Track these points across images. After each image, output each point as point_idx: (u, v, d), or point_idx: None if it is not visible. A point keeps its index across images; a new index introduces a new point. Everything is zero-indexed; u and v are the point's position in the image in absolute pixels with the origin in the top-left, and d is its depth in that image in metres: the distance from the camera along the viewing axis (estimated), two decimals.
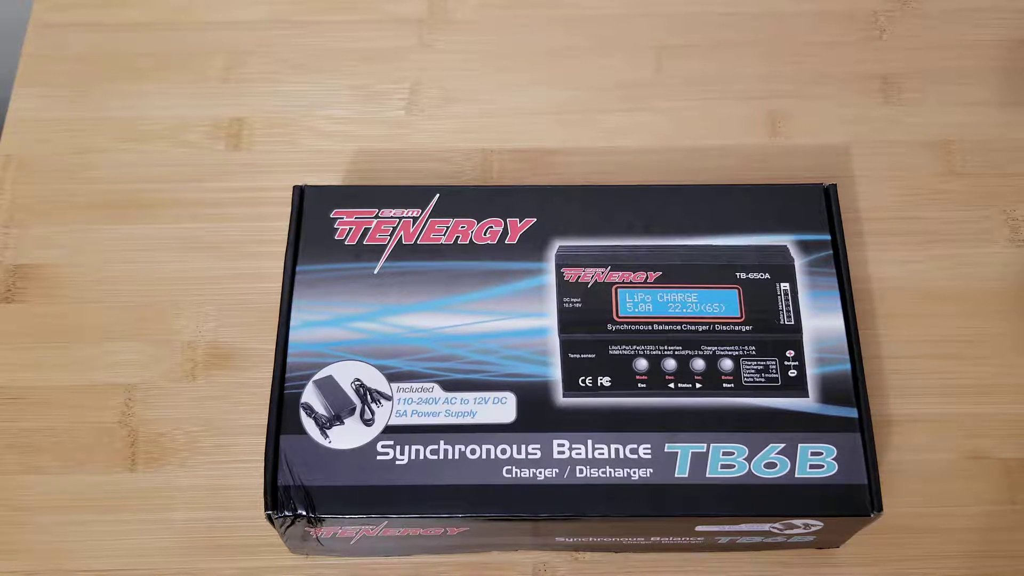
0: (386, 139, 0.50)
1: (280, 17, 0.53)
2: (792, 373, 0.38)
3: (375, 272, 0.40)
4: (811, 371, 0.38)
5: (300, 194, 0.42)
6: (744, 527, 0.37)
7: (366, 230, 0.41)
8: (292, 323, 0.39)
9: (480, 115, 0.50)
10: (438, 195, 0.42)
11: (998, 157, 0.49)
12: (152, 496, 0.42)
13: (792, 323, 0.39)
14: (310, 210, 0.41)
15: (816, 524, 0.36)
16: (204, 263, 0.47)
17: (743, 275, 0.40)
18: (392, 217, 0.41)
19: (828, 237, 0.41)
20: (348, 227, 0.41)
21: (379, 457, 0.37)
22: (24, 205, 0.48)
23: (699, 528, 0.37)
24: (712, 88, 0.51)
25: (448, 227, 0.41)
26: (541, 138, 0.50)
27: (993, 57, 0.52)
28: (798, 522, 0.36)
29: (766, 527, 0.37)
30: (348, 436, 0.37)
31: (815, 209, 0.41)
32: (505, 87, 0.51)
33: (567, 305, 0.39)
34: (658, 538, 0.38)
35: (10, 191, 0.49)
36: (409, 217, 0.41)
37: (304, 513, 0.36)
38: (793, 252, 0.40)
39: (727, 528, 0.37)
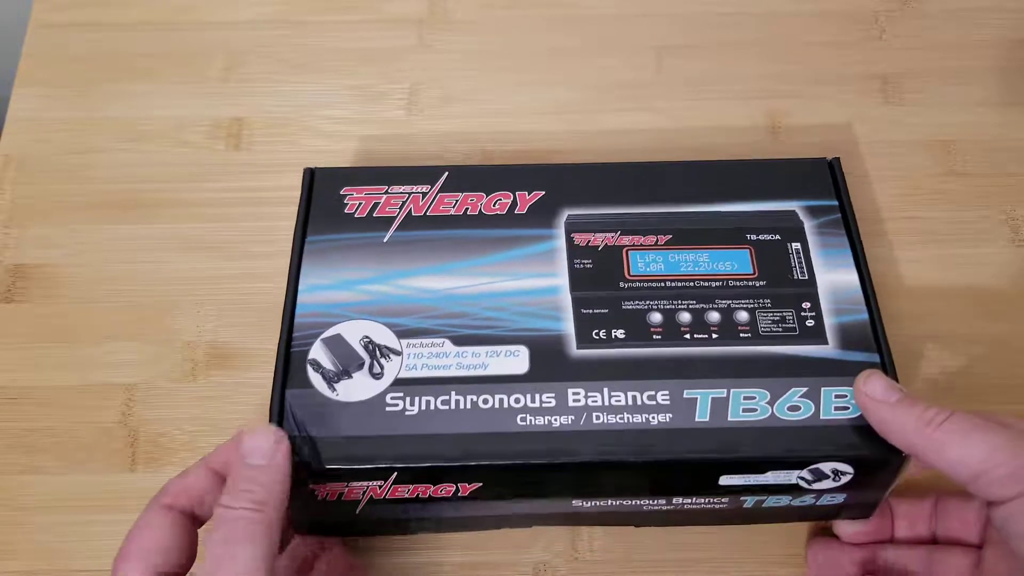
0: (386, 139, 0.50)
1: (280, 17, 0.53)
2: (810, 323, 0.38)
3: (384, 240, 0.40)
4: (829, 321, 0.38)
5: (310, 176, 0.42)
6: (770, 477, 0.36)
7: (375, 204, 0.41)
8: (300, 287, 0.39)
9: (480, 115, 0.50)
10: (447, 173, 0.42)
11: (998, 157, 0.49)
12: (152, 496, 0.42)
13: (806, 278, 0.39)
14: (320, 189, 0.42)
15: (846, 471, 0.35)
16: (204, 263, 0.47)
17: (754, 236, 0.40)
18: (401, 193, 0.42)
19: (836, 203, 0.41)
20: (358, 202, 0.41)
21: (388, 408, 0.36)
22: (24, 205, 0.48)
23: (723, 481, 0.36)
24: (712, 88, 0.51)
25: (457, 200, 0.41)
26: (541, 138, 0.50)
27: (993, 57, 0.52)
28: (827, 468, 0.35)
29: (793, 478, 0.36)
30: (356, 389, 0.36)
31: (821, 179, 0.42)
32: (505, 87, 0.51)
33: (578, 266, 0.39)
34: (680, 500, 0.37)
35: (10, 191, 0.49)
36: (418, 192, 0.42)
37: (310, 463, 0.35)
38: (802, 216, 0.41)
39: (752, 481, 0.36)
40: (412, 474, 0.35)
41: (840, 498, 0.37)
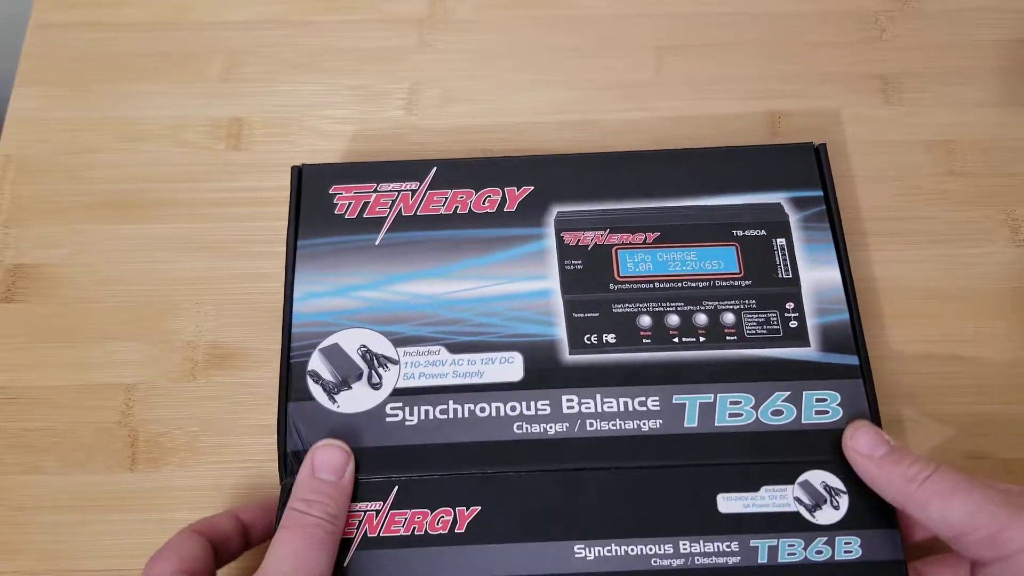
0: (386, 139, 0.50)
1: (280, 17, 0.53)
2: (793, 324, 0.39)
3: (376, 243, 0.40)
4: (811, 321, 0.39)
5: (299, 174, 0.42)
6: (766, 498, 0.36)
7: (365, 204, 0.41)
8: (296, 295, 0.39)
9: (480, 115, 0.50)
10: (436, 168, 0.42)
11: (998, 157, 0.49)
12: (152, 496, 0.42)
13: (790, 276, 0.40)
14: (309, 188, 0.42)
15: (840, 489, 0.36)
16: (204, 263, 0.47)
17: (740, 232, 0.41)
18: (391, 191, 0.42)
19: (820, 193, 0.42)
20: (347, 202, 0.41)
21: (388, 419, 0.37)
22: (24, 205, 0.48)
23: (722, 506, 0.36)
24: (712, 88, 0.51)
25: (447, 198, 0.42)
26: (541, 138, 0.50)
27: (993, 57, 0.52)
28: (817, 482, 0.36)
29: (790, 500, 0.36)
30: (356, 400, 0.37)
31: (807, 167, 0.42)
32: (505, 87, 0.51)
33: (568, 267, 0.40)
34: (687, 544, 0.35)
35: (10, 191, 0.49)
36: (408, 190, 0.42)
37: None
38: (787, 208, 0.41)
39: (750, 504, 0.36)
40: (412, 489, 0.36)
41: (856, 545, 0.36)
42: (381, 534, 0.36)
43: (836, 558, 0.36)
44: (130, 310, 0.46)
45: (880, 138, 0.49)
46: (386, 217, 0.41)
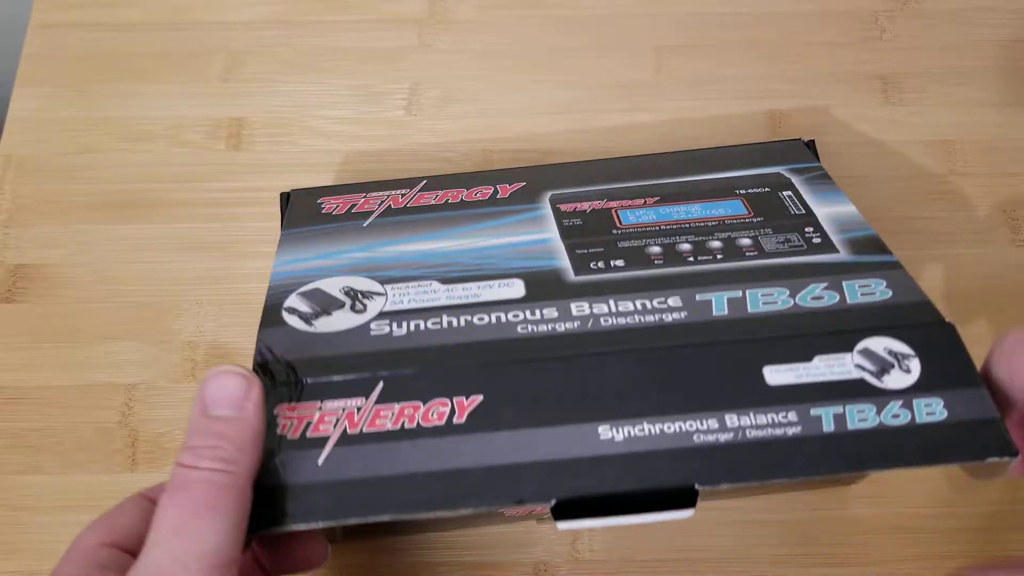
0: (386, 139, 0.50)
1: (280, 17, 0.53)
2: (816, 240, 0.36)
3: (364, 225, 0.39)
4: (836, 237, 0.36)
5: (286, 200, 0.42)
6: (822, 367, 0.31)
7: (353, 205, 0.41)
8: (274, 264, 0.37)
9: (480, 115, 0.50)
10: (425, 181, 0.42)
11: (998, 157, 0.49)
12: None
13: (803, 212, 0.38)
14: (296, 204, 0.42)
15: (907, 352, 0.31)
16: (204, 263, 0.47)
17: (743, 191, 0.39)
18: (380, 195, 0.41)
19: (818, 164, 0.41)
20: (335, 204, 0.41)
21: (373, 333, 0.32)
22: (24, 205, 0.48)
23: (770, 378, 0.30)
24: (712, 88, 0.51)
25: (437, 195, 0.41)
26: (541, 138, 0.50)
27: (993, 57, 0.52)
28: (879, 347, 0.31)
29: (851, 368, 0.31)
30: (336, 323, 0.33)
31: (801, 154, 0.42)
32: (505, 87, 0.51)
33: (567, 224, 0.38)
34: (734, 418, 0.30)
35: (10, 191, 0.49)
36: (397, 194, 0.41)
37: (285, 379, 0.30)
38: (787, 174, 0.41)
39: (804, 375, 0.31)
40: (400, 384, 0.30)
41: (939, 407, 0.30)
42: (364, 430, 0.30)
43: (918, 421, 0.30)
44: (130, 310, 0.46)
45: (880, 138, 0.49)
46: (374, 211, 0.40)
